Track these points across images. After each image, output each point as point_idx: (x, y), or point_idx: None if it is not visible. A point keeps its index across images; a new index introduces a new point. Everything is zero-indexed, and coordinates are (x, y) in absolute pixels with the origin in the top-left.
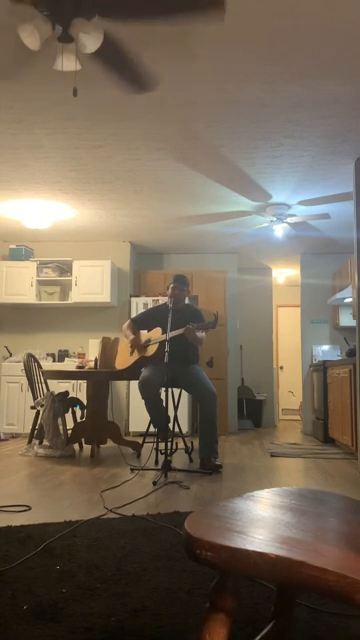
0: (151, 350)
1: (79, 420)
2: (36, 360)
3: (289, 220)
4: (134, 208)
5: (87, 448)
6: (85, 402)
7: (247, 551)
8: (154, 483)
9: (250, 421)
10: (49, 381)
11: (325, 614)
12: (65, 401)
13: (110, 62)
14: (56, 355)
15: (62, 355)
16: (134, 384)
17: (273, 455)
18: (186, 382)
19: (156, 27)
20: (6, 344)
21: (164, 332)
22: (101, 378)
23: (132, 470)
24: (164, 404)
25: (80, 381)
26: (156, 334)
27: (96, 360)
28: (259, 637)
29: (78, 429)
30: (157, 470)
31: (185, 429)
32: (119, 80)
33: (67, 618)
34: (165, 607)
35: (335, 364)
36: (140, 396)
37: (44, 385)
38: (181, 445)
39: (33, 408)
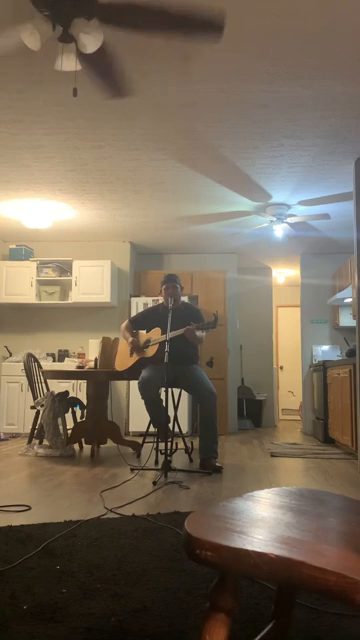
0: (151, 351)
1: (79, 420)
2: (36, 360)
3: (289, 220)
4: (134, 208)
5: (87, 448)
6: (85, 402)
7: (247, 551)
8: (154, 483)
9: (250, 421)
10: (49, 381)
11: (325, 614)
12: (65, 401)
13: (97, 67)
14: (56, 355)
15: (62, 355)
16: (134, 384)
17: (273, 455)
18: (186, 382)
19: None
20: (6, 344)
21: (164, 332)
22: (101, 378)
23: (132, 470)
24: (164, 404)
25: (80, 381)
26: (156, 334)
27: (96, 360)
28: (259, 637)
29: (78, 429)
30: (157, 470)
31: (185, 429)
32: (101, 84)
33: (67, 618)
34: (165, 607)
35: (335, 364)
36: (140, 396)
37: (44, 385)
38: (181, 445)
39: (33, 408)
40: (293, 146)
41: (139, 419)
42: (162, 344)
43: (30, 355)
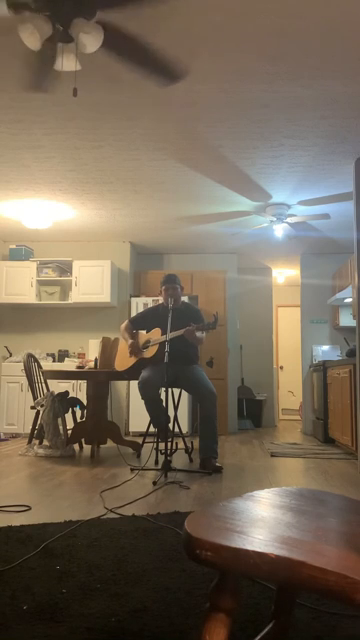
0: (151, 351)
1: (79, 420)
2: (36, 360)
3: (289, 220)
4: (134, 208)
5: (87, 448)
6: (85, 402)
7: (247, 551)
8: (154, 483)
9: (250, 421)
10: (49, 381)
11: (325, 614)
12: (65, 401)
13: (135, 59)
14: (56, 355)
15: (62, 355)
16: (134, 384)
17: (273, 455)
18: (186, 382)
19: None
20: (6, 344)
21: (164, 333)
22: (101, 378)
23: (132, 470)
24: (164, 404)
25: (80, 381)
26: (156, 335)
27: (96, 360)
28: (259, 637)
29: (78, 429)
30: (157, 470)
31: (185, 429)
32: (149, 74)
33: (67, 618)
34: (165, 607)
35: (335, 364)
36: (140, 396)
37: (44, 385)
38: (181, 445)
39: (33, 408)
40: (293, 146)
41: (139, 419)
42: (162, 344)
43: (30, 355)
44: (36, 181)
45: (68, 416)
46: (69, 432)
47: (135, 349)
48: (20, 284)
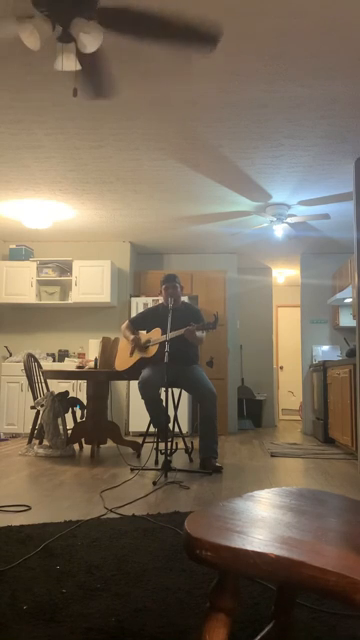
0: (151, 351)
1: (79, 420)
2: (36, 360)
3: (289, 220)
4: (134, 208)
5: (87, 448)
6: (85, 402)
7: (247, 551)
8: (154, 483)
9: (250, 421)
10: (49, 381)
11: (325, 614)
12: (65, 401)
13: (86, 66)
14: (56, 355)
15: (62, 355)
16: (134, 384)
17: (273, 455)
18: (186, 382)
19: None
20: (6, 344)
21: (164, 332)
22: (101, 378)
23: (132, 470)
24: (164, 404)
25: (80, 381)
26: (156, 334)
27: (96, 360)
28: (259, 637)
29: (78, 429)
30: (157, 470)
31: (185, 429)
32: (85, 84)
33: (67, 618)
34: (165, 607)
35: (335, 364)
36: (140, 396)
37: (44, 385)
38: (181, 445)
39: (33, 408)
40: (293, 146)
41: (139, 419)
42: (162, 344)
43: (30, 355)
44: (36, 181)
45: (68, 416)
46: (69, 432)
47: (138, 344)
48: (20, 284)
